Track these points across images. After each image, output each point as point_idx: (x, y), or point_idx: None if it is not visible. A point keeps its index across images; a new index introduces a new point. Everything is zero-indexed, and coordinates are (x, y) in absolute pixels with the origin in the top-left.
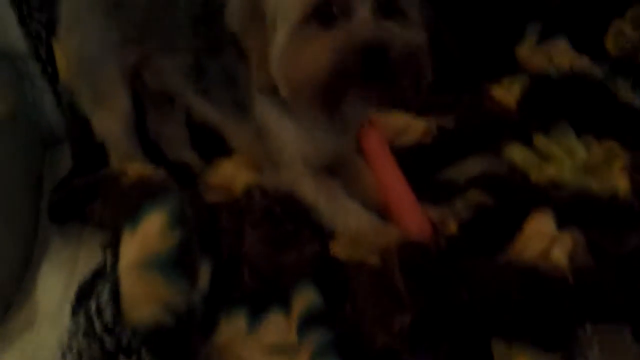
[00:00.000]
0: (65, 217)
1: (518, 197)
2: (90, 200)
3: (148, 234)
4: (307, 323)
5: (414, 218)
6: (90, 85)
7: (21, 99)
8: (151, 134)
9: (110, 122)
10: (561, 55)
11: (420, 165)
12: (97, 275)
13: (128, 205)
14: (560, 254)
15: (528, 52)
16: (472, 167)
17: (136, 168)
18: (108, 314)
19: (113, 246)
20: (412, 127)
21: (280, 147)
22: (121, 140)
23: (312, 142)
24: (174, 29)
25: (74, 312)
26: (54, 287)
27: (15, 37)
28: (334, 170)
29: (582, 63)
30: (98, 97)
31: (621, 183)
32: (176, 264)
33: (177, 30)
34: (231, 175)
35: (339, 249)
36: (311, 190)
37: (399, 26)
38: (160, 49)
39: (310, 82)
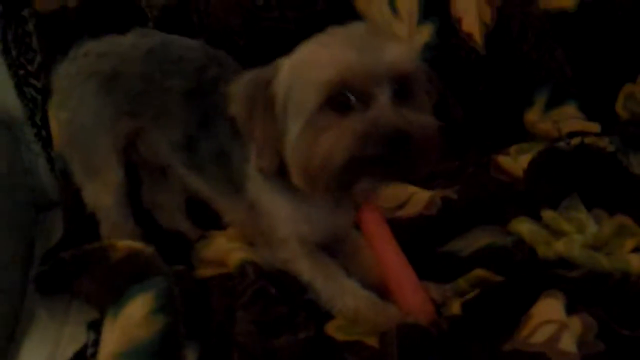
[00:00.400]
0: (53, 290)
1: (525, 275)
2: (78, 274)
3: (130, 320)
4: None
5: (414, 297)
6: (82, 157)
7: (16, 163)
8: (145, 203)
9: (101, 194)
10: (570, 122)
11: (423, 238)
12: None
13: (113, 285)
14: (569, 341)
15: (536, 118)
16: (477, 240)
17: (125, 243)
18: None
19: (96, 329)
20: (415, 198)
21: (274, 225)
22: (112, 212)
23: (307, 221)
24: (167, 102)
25: None
26: None
27: (11, 102)
28: (332, 246)
29: (593, 130)
30: (90, 169)
31: (634, 261)
32: (159, 352)
33: (170, 104)
34: (225, 249)
35: (336, 330)
36: (307, 270)
37: (414, 112)
38: (153, 122)
39: (328, 168)
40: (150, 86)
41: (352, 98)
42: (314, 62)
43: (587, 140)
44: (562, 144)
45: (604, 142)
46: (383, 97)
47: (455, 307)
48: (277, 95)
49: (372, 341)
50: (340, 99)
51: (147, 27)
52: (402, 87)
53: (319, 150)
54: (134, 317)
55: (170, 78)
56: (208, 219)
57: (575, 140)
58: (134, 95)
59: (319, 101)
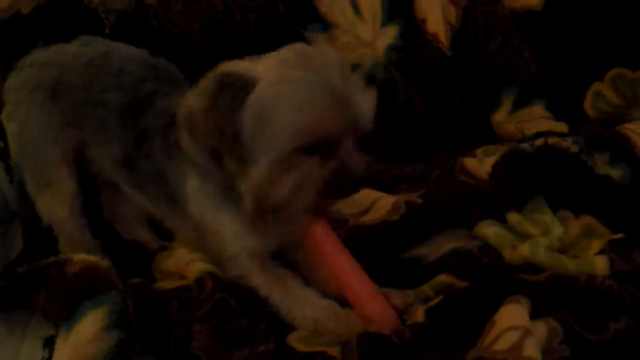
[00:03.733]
0: (11, 305)
1: (490, 280)
2: (36, 289)
3: (82, 338)
4: None
5: (372, 304)
6: (33, 169)
7: None
8: (105, 214)
9: (55, 207)
10: (538, 122)
11: (386, 244)
12: None
13: (68, 299)
14: (533, 348)
15: (503, 118)
16: (442, 245)
17: (81, 257)
18: None
19: (51, 346)
20: (379, 203)
21: (221, 243)
22: (67, 224)
23: (254, 234)
24: (105, 117)
25: None
26: None
27: None
28: (288, 257)
29: (560, 130)
30: (41, 182)
31: (599, 263)
32: None
33: (108, 119)
34: (185, 261)
35: (298, 341)
36: (262, 284)
37: (367, 156)
38: (95, 136)
39: (287, 204)
40: (90, 98)
41: (324, 145)
42: (287, 103)
43: (551, 140)
44: (525, 145)
45: (568, 143)
46: (348, 145)
47: (419, 315)
48: (244, 131)
49: (335, 352)
50: (310, 144)
51: (103, 34)
52: (362, 138)
53: (283, 189)
54: (86, 334)
55: (108, 91)
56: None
57: (539, 142)
58: (78, 106)
59: (291, 146)
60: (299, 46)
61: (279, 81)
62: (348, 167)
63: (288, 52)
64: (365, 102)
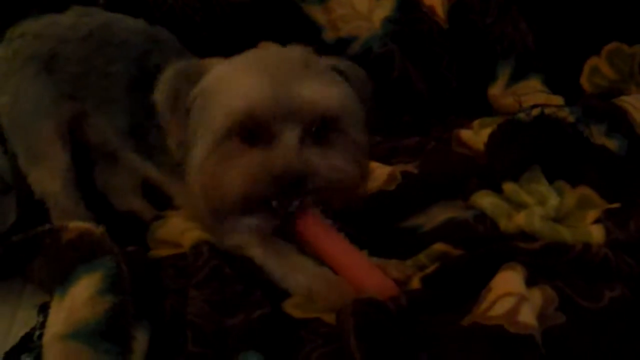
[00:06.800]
0: (5, 274)
1: (486, 248)
2: (30, 257)
3: (77, 301)
4: None
5: (371, 279)
6: (25, 142)
7: None
8: (98, 186)
9: (47, 180)
10: (534, 96)
11: (383, 214)
12: (25, 342)
13: (63, 266)
14: (528, 313)
15: (500, 92)
16: (438, 214)
17: (76, 224)
18: None
19: (45, 311)
20: (375, 173)
21: None
22: (60, 197)
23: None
24: (110, 89)
25: None
26: None
27: None
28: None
29: (554, 102)
30: (34, 155)
31: (595, 232)
32: (106, 332)
33: (114, 91)
34: (180, 229)
35: (294, 308)
36: (259, 254)
37: (325, 154)
38: (97, 107)
39: (225, 199)
40: (91, 70)
41: (258, 132)
42: (227, 87)
43: (547, 110)
44: (522, 114)
45: (564, 113)
46: (289, 136)
47: (415, 282)
48: (192, 109)
49: (331, 318)
50: (247, 130)
51: (97, 4)
52: (320, 128)
53: (218, 181)
54: (81, 297)
55: (112, 63)
56: (164, 199)
57: (535, 111)
58: (75, 78)
59: (225, 127)
60: (266, 46)
61: (224, 70)
62: (278, 162)
63: (251, 51)
64: (316, 88)
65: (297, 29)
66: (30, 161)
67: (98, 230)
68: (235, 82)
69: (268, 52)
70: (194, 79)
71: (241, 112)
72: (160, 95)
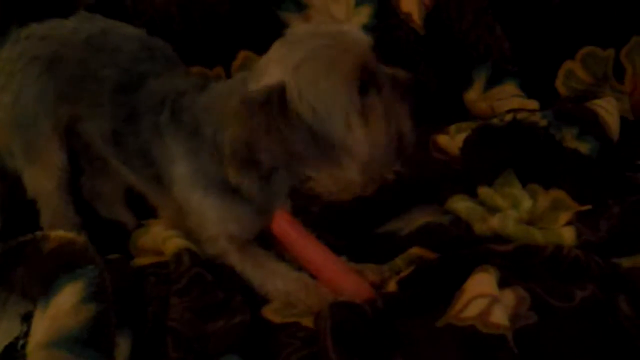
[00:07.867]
0: None
1: (460, 251)
2: (13, 266)
3: (60, 310)
4: None
5: (347, 283)
6: (24, 141)
7: None
8: (85, 193)
9: (42, 179)
10: (509, 100)
11: (360, 219)
12: (9, 351)
13: (45, 276)
14: (500, 314)
15: (476, 97)
16: (415, 219)
17: (58, 233)
18: None
19: (28, 320)
20: None
21: (203, 224)
22: (53, 198)
23: (236, 220)
24: (99, 93)
25: None
26: None
27: None
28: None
29: (532, 107)
30: (31, 153)
31: (566, 234)
32: (89, 341)
33: (101, 95)
34: (162, 237)
35: (273, 313)
36: (237, 262)
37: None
38: (87, 111)
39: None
40: (86, 74)
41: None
42: (332, 52)
43: (520, 116)
44: (495, 120)
45: (537, 117)
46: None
47: (392, 285)
48: (294, 106)
49: (309, 322)
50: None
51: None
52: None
53: (381, 134)
54: (63, 306)
55: (104, 68)
56: (147, 209)
57: (508, 117)
58: (73, 81)
59: (353, 87)
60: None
61: (300, 56)
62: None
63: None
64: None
65: (276, 38)
66: (28, 159)
67: (80, 239)
68: (334, 46)
69: (303, 27)
70: (264, 100)
71: (355, 66)
72: (235, 129)
